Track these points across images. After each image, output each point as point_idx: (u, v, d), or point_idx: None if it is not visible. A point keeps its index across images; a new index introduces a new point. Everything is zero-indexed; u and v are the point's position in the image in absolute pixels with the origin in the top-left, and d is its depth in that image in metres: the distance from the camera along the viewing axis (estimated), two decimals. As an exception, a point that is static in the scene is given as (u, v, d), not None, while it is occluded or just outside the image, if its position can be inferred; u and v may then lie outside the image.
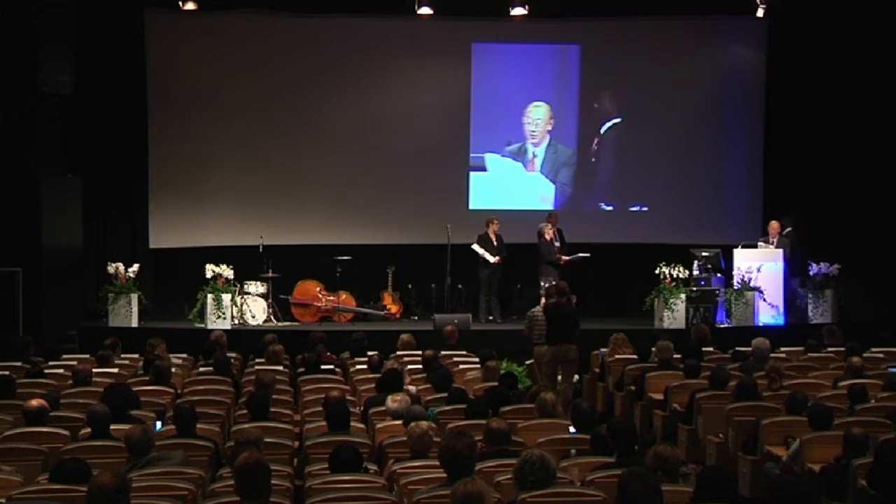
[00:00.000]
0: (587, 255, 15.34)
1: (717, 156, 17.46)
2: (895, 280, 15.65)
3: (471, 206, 17.07)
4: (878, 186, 16.02)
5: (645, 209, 17.39)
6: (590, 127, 17.36)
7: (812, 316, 15.24)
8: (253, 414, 7.94)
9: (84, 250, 15.42)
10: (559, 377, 11.73)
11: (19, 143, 15.15)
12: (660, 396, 10.12)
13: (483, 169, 17.20)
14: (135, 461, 6.41)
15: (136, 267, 14.87)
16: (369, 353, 11.17)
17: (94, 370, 9.93)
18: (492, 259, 15.52)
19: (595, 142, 17.44)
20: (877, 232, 15.94)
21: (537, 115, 17.30)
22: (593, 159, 17.50)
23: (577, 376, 12.38)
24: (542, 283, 14.80)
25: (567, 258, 15.15)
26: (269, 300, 15.49)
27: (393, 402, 7.94)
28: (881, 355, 11.44)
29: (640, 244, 16.40)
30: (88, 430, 7.27)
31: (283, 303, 15.95)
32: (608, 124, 17.40)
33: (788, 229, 15.40)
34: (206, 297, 14.66)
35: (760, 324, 14.78)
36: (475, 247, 15.55)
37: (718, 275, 15.17)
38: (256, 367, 10.70)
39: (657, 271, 14.81)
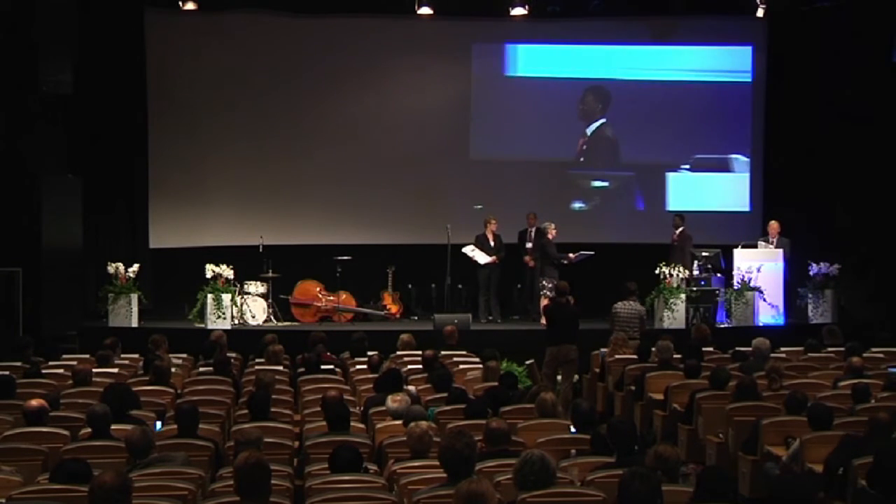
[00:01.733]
0: (591, 252, 15.37)
1: (717, 156, 17.46)
2: (895, 280, 15.65)
3: (670, 207, 17.25)
4: (878, 186, 16.02)
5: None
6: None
7: (812, 316, 15.23)
8: (253, 414, 7.94)
9: (84, 250, 15.41)
10: (559, 377, 11.76)
11: (19, 143, 15.16)
12: (660, 396, 10.12)
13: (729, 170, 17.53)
14: (135, 462, 6.41)
15: (136, 267, 14.85)
16: (369, 353, 11.18)
17: (94, 370, 9.91)
18: (482, 261, 15.54)
19: (581, 142, 17.46)
20: (877, 232, 15.93)
21: None
22: (581, 159, 17.51)
23: (576, 376, 12.40)
24: (544, 283, 14.84)
25: (573, 256, 15.22)
26: (269, 300, 15.49)
27: (393, 402, 7.93)
28: (881, 355, 11.43)
29: (640, 244, 16.39)
30: (88, 430, 7.26)
31: (283, 303, 15.94)
32: (594, 125, 17.45)
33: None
34: (206, 297, 14.64)
35: (760, 324, 14.78)
36: (466, 249, 15.55)
37: (718, 275, 15.17)
38: (256, 367, 10.69)
39: (657, 271, 14.81)
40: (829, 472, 6.91)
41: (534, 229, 15.73)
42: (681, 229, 15.54)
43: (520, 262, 15.84)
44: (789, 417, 8.07)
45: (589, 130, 17.45)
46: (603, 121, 17.42)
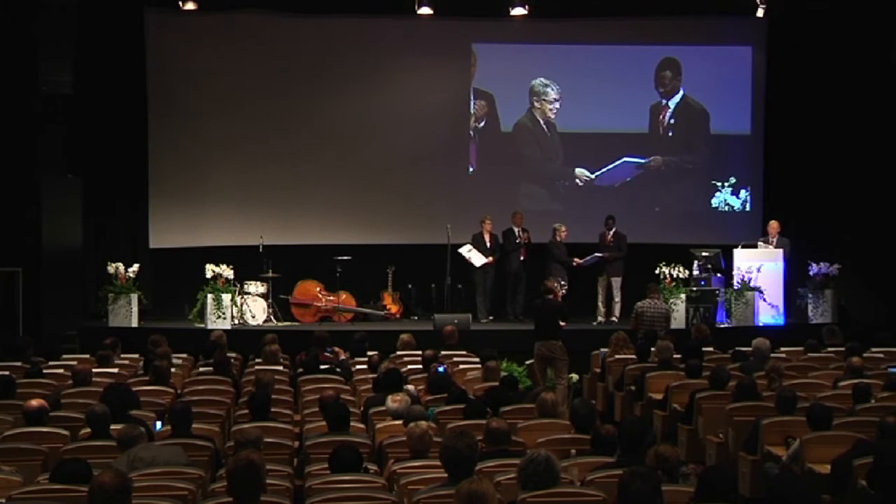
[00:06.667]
0: (601, 255, 15.36)
1: (717, 155, 17.46)
2: (895, 280, 15.65)
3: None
4: (878, 186, 16.02)
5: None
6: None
7: (812, 316, 15.23)
8: (253, 414, 7.95)
9: (84, 250, 15.41)
10: (550, 373, 11.87)
11: (19, 143, 15.15)
12: (660, 396, 10.12)
13: None
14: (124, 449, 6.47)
15: (136, 267, 14.86)
16: (369, 353, 11.18)
17: (94, 370, 9.93)
18: (478, 263, 15.56)
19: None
20: (877, 232, 15.93)
21: None
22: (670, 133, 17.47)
23: (576, 376, 12.42)
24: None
25: (581, 261, 15.27)
26: (269, 300, 15.49)
27: (393, 402, 7.94)
28: (881, 355, 11.45)
29: (640, 244, 16.37)
30: (88, 430, 7.27)
31: (283, 303, 15.94)
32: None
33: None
34: (206, 297, 14.65)
35: (760, 324, 14.78)
36: (462, 250, 15.56)
37: (718, 275, 15.17)
38: (256, 367, 10.70)
39: (657, 271, 14.81)
40: (834, 475, 6.90)
41: (519, 229, 15.82)
42: (613, 230, 15.53)
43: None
44: (789, 417, 8.07)
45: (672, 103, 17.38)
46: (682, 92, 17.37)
